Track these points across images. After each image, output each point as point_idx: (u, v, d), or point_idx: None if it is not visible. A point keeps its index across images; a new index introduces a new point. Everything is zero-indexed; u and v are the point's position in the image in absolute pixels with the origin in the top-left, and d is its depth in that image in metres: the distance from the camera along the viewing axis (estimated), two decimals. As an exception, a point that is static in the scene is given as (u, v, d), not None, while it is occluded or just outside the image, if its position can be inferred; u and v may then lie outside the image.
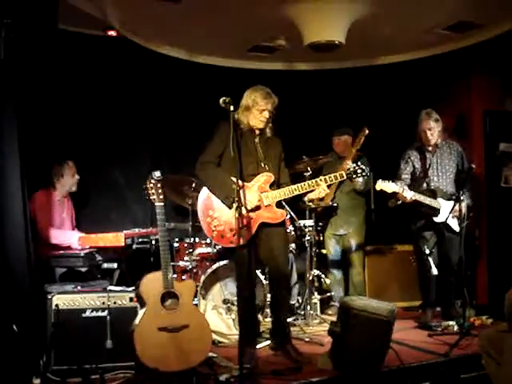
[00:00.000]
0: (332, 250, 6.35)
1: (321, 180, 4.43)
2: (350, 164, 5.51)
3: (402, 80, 7.18)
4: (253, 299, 4.47)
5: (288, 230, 5.37)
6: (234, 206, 3.94)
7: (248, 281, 4.32)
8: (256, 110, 4.33)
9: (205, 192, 4.44)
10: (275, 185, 4.43)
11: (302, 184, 4.40)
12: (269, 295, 4.97)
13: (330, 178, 4.46)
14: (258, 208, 4.33)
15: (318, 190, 4.45)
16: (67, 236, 5.25)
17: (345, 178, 4.52)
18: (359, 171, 4.49)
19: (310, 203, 5.61)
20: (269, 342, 4.70)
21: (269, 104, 4.32)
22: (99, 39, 6.23)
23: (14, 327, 3.73)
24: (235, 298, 4.91)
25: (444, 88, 7.02)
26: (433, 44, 6.57)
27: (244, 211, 4.13)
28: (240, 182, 4.07)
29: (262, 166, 4.40)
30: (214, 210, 4.38)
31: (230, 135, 3.92)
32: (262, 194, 4.35)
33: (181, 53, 6.64)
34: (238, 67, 6.98)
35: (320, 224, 6.15)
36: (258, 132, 4.44)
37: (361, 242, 6.31)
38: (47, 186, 5.35)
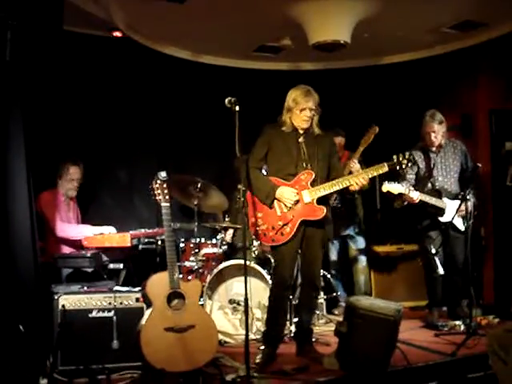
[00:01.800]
0: (335, 250, 6.37)
1: (361, 174, 4.37)
2: (354, 165, 5.51)
3: (407, 79, 7.17)
4: (285, 299, 4.51)
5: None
6: (276, 205, 4.26)
7: (284, 280, 4.39)
8: (297, 110, 4.32)
9: (249, 194, 4.45)
10: (319, 182, 4.36)
11: (342, 179, 4.34)
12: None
13: (371, 171, 4.38)
14: (297, 203, 4.31)
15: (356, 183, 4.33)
16: (79, 229, 5.27)
17: (387, 169, 4.37)
18: (405, 162, 4.35)
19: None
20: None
21: (309, 102, 4.31)
22: (104, 40, 6.24)
23: (21, 327, 3.74)
24: (241, 298, 4.92)
25: (449, 87, 7.01)
26: (438, 43, 6.55)
27: (284, 209, 4.28)
28: (281, 182, 4.28)
29: (304, 165, 4.36)
30: (258, 211, 4.40)
31: (236, 136, 3.91)
32: (301, 192, 4.32)
33: (186, 53, 6.65)
34: (244, 67, 6.99)
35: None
36: (302, 132, 4.41)
37: (364, 240, 6.32)
38: (52, 187, 5.36)
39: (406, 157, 4.36)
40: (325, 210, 4.33)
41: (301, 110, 4.32)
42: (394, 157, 4.38)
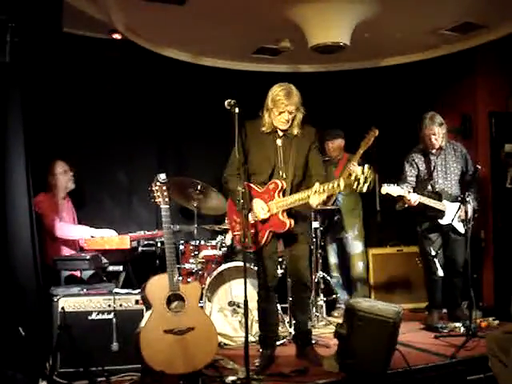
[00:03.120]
0: (334, 253, 6.37)
1: (317, 191, 4.05)
2: (354, 168, 5.48)
3: (406, 81, 7.17)
4: (271, 299, 4.50)
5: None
6: (251, 214, 4.22)
7: (266, 281, 4.39)
8: (276, 112, 4.22)
9: (230, 200, 4.49)
10: (293, 190, 4.30)
11: (301, 194, 4.16)
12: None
13: (326, 186, 4.05)
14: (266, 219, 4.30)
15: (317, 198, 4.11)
16: (78, 230, 5.27)
17: (342, 185, 3.97)
18: (362, 180, 3.86)
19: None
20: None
21: (288, 106, 4.17)
22: (104, 42, 6.24)
23: (21, 330, 3.74)
24: (241, 301, 4.91)
25: (449, 89, 7.01)
26: (437, 45, 6.55)
27: (251, 218, 4.25)
28: (252, 188, 4.25)
29: (280, 173, 4.30)
30: (237, 216, 4.39)
31: (236, 138, 3.91)
32: (268, 203, 4.28)
33: (185, 55, 6.64)
34: (243, 69, 6.99)
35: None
36: (281, 133, 4.34)
37: (362, 244, 6.33)
38: (47, 190, 5.35)
39: (365, 173, 3.84)
40: (288, 224, 4.23)
41: (279, 113, 4.21)
42: (353, 174, 3.91)
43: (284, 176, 4.30)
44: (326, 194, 4.10)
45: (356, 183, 3.86)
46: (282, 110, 4.19)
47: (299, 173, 4.36)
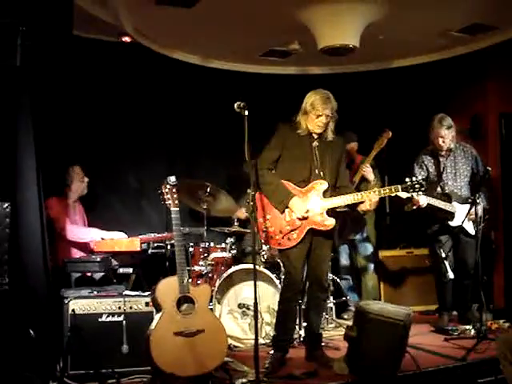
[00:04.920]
0: (345, 255, 6.36)
1: (374, 191, 4.32)
2: (367, 169, 5.52)
3: (416, 83, 7.15)
4: (295, 303, 4.52)
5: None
6: (286, 211, 4.26)
7: (293, 283, 4.39)
8: (313, 115, 4.29)
9: (260, 194, 4.44)
10: (330, 190, 4.38)
11: (355, 195, 4.31)
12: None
13: (384, 190, 4.36)
14: (305, 219, 4.30)
15: (368, 201, 4.31)
16: (89, 232, 5.30)
17: (400, 191, 4.38)
18: (417, 186, 4.34)
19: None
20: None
21: (326, 109, 4.26)
22: (113, 45, 6.26)
23: (31, 332, 3.75)
24: (250, 303, 4.92)
25: (459, 91, 6.99)
26: (447, 46, 6.53)
27: (294, 215, 4.27)
28: (293, 187, 4.29)
29: (317, 172, 4.35)
30: (267, 212, 4.39)
31: (245, 141, 3.91)
32: (313, 201, 4.30)
33: (194, 58, 6.66)
34: (252, 72, 6.99)
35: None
36: (316, 136, 4.39)
37: (373, 246, 6.32)
38: (60, 193, 5.38)
39: (419, 181, 4.35)
40: (334, 222, 4.33)
41: (317, 116, 4.29)
42: (408, 180, 4.36)
43: (322, 175, 4.36)
44: (382, 195, 4.36)
45: (412, 190, 4.34)
46: (320, 113, 4.27)
47: (332, 179, 4.43)
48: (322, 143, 4.40)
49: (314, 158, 4.37)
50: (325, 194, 4.34)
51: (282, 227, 4.31)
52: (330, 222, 4.32)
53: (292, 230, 4.31)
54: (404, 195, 5.13)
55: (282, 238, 4.32)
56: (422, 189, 4.38)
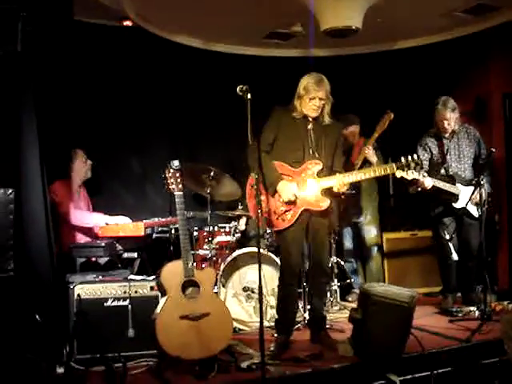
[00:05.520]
0: (349, 237, 6.36)
1: (369, 171, 4.40)
2: (369, 151, 5.52)
3: (419, 64, 7.11)
4: (293, 286, 4.51)
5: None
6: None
7: (290, 267, 4.40)
8: (307, 98, 4.32)
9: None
10: (326, 172, 4.39)
11: (349, 174, 4.36)
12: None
13: (379, 170, 4.42)
14: (293, 203, 4.32)
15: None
16: (94, 217, 5.32)
17: (395, 170, 4.42)
18: (413, 164, 4.38)
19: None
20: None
21: (319, 92, 4.30)
22: (115, 29, 6.24)
23: (37, 317, 3.77)
24: (255, 286, 4.94)
25: (462, 72, 6.95)
26: (451, 27, 6.49)
27: (280, 199, 4.29)
28: (287, 168, 4.30)
29: (311, 153, 4.37)
30: (261, 194, 4.38)
31: (248, 124, 3.90)
32: (308, 181, 4.33)
33: (196, 41, 6.62)
34: (254, 55, 6.96)
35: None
36: (311, 119, 4.41)
37: (377, 228, 6.31)
38: (64, 177, 5.39)
39: (415, 159, 4.38)
40: (328, 202, 4.34)
41: (310, 99, 4.32)
42: (403, 158, 4.40)
43: (317, 157, 4.38)
44: (377, 174, 4.43)
45: (407, 168, 4.39)
46: (313, 96, 4.30)
47: (328, 161, 4.43)
48: (318, 126, 4.42)
49: (309, 139, 4.39)
50: (319, 175, 4.36)
51: (276, 208, 4.34)
52: (325, 203, 4.33)
53: (286, 211, 4.32)
54: (409, 177, 5.15)
55: (277, 218, 4.34)
56: (418, 167, 4.42)
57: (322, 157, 4.39)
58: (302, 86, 4.36)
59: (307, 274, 4.90)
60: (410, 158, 4.39)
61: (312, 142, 4.39)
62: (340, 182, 4.31)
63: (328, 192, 4.38)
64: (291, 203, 4.32)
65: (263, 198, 4.33)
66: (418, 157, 4.42)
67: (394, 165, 4.39)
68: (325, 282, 4.71)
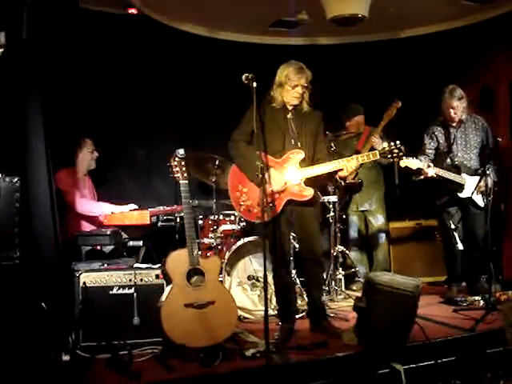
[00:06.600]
0: (354, 226, 6.36)
1: (352, 159, 4.35)
2: (376, 140, 5.52)
3: (425, 53, 7.07)
4: (286, 274, 4.51)
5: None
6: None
7: (279, 256, 4.38)
8: (289, 86, 4.30)
9: (235, 167, 4.47)
10: (308, 161, 4.38)
11: (332, 163, 4.33)
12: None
13: (362, 157, 4.38)
14: (280, 191, 4.31)
15: (346, 168, 4.35)
16: (99, 206, 5.34)
17: (378, 158, 4.40)
18: (396, 151, 4.32)
19: (341, 181, 5.60)
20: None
21: (301, 79, 4.28)
22: (120, 17, 6.22)
23: (43, 305, 3.79)
24: (260, 275, 4.95)
25: (468, 60, 6.91)
26: (457, 16, 6.46)
27: (269, 189, 4.22)
28: (269, 158, 4.23)
29: (293, 143, 4.36)
30: (243, 185, 4.41)
31: (254, 112, 3.89)
32: (290, 171, 4.31)
33: (202, 30, 6.61)
34: (260, 43, 6.94)
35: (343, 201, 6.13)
36: (291, 108, 4.39)
37: (384, 216, 6.31)
38: (69, 165, 5.39)
39: (397, 146, 4.31)
40: (312, 191, 4.32)
41: (293, 87, 4.29)
42: (386, 145, 4.37)
43: (299, 146, 4.36)
44: (360, 161, 4.39)
45: (390, 155, 4.33)
46: (296, 83, 4.28)
47: (309, 149, 4.41)
48: (298, 115, 4.40)
49: (290, 129, 4.38)
50: (301, 164, 4.34)
51: (260, 200, 4.20)
52: (309, 192, 4.31)
53: (270, 202, 4.28)
54: (414, 166, 5.14)
55: (261, 210, 4.27)
56: (401, 154, 4.35)
57: (304, 145, 4.37)
58: (283, 74, 4.32)
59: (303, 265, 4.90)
60: (392, 144, 4.34)
61: (293, 131, 4.38)
62: (325, 170, 4.30)
63: (312, 181, 4.35)
64: (278, 193, 4.30)
65: (246, 189, 4.35)
66: (402, 144, 4.33)
67: (377, 152, 4.37)
68: (320, 272, 4.66)
